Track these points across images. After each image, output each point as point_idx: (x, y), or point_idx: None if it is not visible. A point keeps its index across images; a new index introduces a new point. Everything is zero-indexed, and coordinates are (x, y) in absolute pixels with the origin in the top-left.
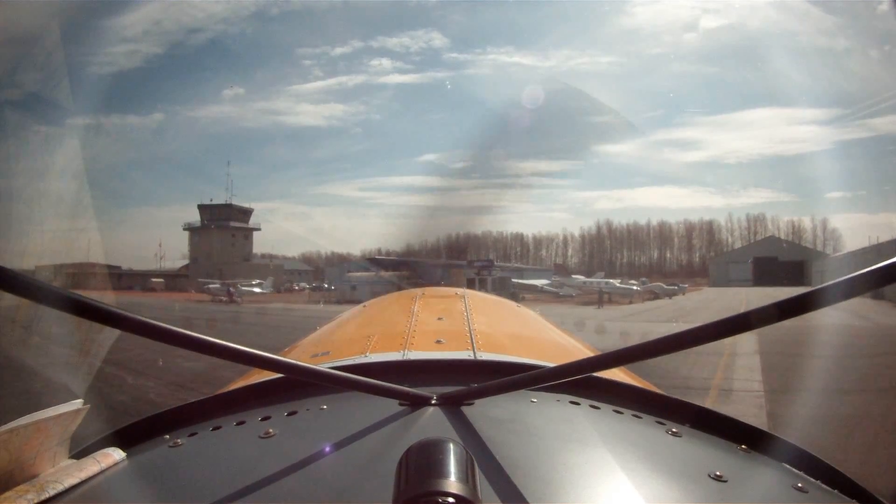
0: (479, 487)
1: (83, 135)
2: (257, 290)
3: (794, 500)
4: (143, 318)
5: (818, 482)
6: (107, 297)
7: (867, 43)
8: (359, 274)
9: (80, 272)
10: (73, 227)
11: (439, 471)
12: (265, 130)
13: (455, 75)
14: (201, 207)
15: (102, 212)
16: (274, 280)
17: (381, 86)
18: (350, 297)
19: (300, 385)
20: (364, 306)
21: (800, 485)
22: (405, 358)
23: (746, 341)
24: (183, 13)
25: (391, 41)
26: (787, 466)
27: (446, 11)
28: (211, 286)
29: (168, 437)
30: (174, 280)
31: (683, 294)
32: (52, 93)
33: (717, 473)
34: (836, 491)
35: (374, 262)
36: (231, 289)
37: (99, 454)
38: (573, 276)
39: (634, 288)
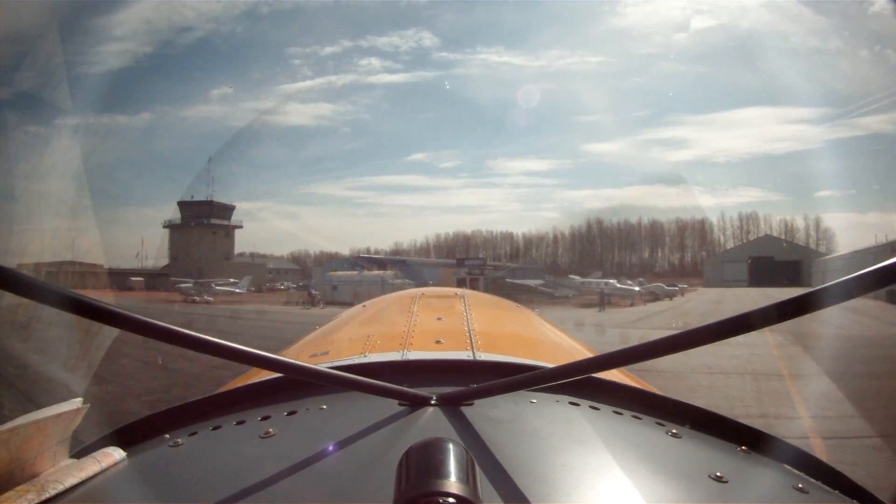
0: (479, 488)
1: (72, 134)
2: (237, 289)
3: (795, 500)
4: (144, 318)
5: (819, 483)
6: None
7: (858, 43)
8: (340, 273)
9: (60, 270)
10: (62, 227)
11: (439, 471)
12: (254, 130)
13: (445, 75)
14: (181, 204)
15: (91, 211)
16: (252, 279)
17: (370, 85)
18: (331, 298)
19: (300, 385)
20: (363, 306)
21: (800, 485)
22: (405, 358)
23: (801, 360)
24: (173, 12)
25: (381, 41)
26: (788, 467)
27: (437, 11)
28: (182, 285)
29: (168, 436)
30: (155, 279)
31: (682, 294)
32: (49, 93)
33: (718, 474)
34: (836, 492)
35: (364, 260)
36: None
37: (99, 454)
38: (570, 276)
39: (635, 289)
